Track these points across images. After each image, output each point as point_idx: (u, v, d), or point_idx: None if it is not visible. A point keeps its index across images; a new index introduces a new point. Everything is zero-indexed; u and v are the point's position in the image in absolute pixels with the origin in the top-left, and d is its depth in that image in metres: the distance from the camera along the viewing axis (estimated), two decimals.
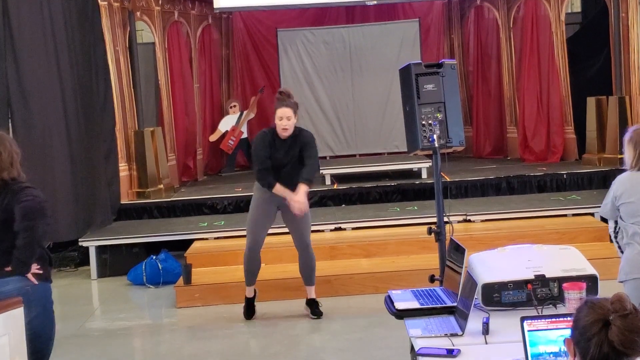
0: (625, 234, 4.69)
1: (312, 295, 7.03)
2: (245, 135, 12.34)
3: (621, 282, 4.68)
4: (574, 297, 3.66)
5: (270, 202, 6.74)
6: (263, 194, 6.75)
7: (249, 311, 7.05)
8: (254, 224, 6.86)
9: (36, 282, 4.46)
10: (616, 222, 4.76)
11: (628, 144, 4.64)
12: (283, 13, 12.94)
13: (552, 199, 9.39)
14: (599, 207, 4.86)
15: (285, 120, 6.60)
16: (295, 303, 7.33)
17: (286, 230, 7.02)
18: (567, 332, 2.40)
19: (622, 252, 4.78)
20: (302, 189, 6.56)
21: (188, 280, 7.68)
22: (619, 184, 4.68)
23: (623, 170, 4.81)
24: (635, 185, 4.62)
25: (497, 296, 3.90)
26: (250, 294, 7.06)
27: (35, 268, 4.48)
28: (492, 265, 4.06)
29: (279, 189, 6.56)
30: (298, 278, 7.30)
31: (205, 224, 9.20)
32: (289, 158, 6.65)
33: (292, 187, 6.61)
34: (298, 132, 6.73)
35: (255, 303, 7.10)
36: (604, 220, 8.20)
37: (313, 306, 6.99)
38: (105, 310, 7.90)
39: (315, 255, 6.95)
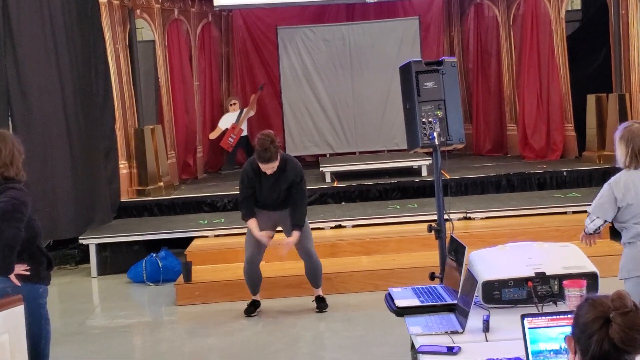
0: (626, 233, 4.66)
1: (319, 293, 7.12)
2: (245, 133, 12.33)
3: (622, 279, 4.66)
4: (574, 294, 3.66)
5: (268, 217, 6.80)
6: (260, 210, 6.81)
7: (250, 309, 7.06)
8: (251, 238, 6.88)
9: (18, 284, 4.43)
10: (605, 221, 4.71)
11: (619, 142, 4.59)
12: (283, 10, 12.93)
13: (552, 196, 9.39)
14: None
15: (269, 171, 6.65)
16: (296, 300, 7.34)
17: (280, 228, 7.03)
18: (568, 330, 2.40)
19: (594, 229, 4.75)
20: (296, 235, 6.74)
21: (188, 278, 7.68)
22: (618, 185, 4.60)
23: (620, 169, 4.76)
24: (638, 185, 4.57)
25: (498, 294, 3.91)
26: (257, 298, 7.14)
27: (22, 269, 4.45)
28: (492, 262, 4.06)
29: (251, 224, 6.81)
30: (298, 276, 7.32)
31: (205, 222, 9.20)
32: (277, 188, 6.70)
33: (283, 208, 6.77)
34: (284, 163, 6.72)
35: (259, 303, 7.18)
36: None
37: (319, 301, 7.09)
38: (105, 308, 7.90)
39: (316, 253, 7.00)
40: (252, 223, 6.82)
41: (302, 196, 6.77)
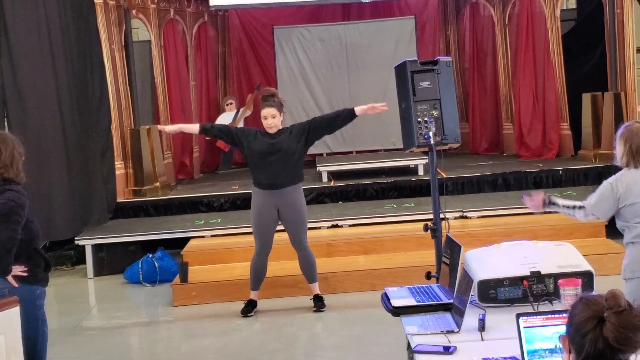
0: (629, 232, 4.60)
1: (316, 291, 7.11)
2: None
3: (625, 279, 4.61)
4: (569, 293, 3.67)
5: (269, 204, 6.78)
6: (261, 197, 6.81)
7: (247, 309, 7.05)
8: (259, 229, 6.88)
9: (16, 285, 4.43)
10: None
11: (619, 140, 4.58)
12: (279, 10, 12.94)
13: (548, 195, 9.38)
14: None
15: (270, 119, 6.69)
16: (293, 300, 7.35)
17: (282, 227, 7.03)
18: (563, 329, 2.40)
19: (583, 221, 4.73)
20: (363, 107, 6.90)
21: (184, 279, 7.67)
22: (620, 184, 4.53)
23: (618, 167, 4.74)
24: (637, 184, 4.53)
25: (493, 293, 3.91)
26: (255, 297, 7.10)
27: (19, 270, 4.44)
28: (488, 261, 4.07)
29: (180, 125, 7.25)
30: (295, 275, 7.32)
31: (202, 222, 9.19)
32: (276, 148, 6.70)
33: (279, 180, 6.72)
34: (286, 128, 6.85)
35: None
36: None
37: (317, 300, 7.07)
38: (101, 309, 7.89)
39: (313, 252, 7.01)
40: (190, 125, 7.37)
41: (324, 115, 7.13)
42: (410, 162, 10.46)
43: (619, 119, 10.02)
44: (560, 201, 4.76)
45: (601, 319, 2.23)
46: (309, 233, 7.17)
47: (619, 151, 4.59)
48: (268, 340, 6.49)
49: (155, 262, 8.37)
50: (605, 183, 4.63)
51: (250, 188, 7.04)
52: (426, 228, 5.49)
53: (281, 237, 7.21)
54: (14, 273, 4.42)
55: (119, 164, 10.10)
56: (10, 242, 4.33)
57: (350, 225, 8.92)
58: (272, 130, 6.72)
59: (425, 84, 5.45)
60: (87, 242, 8.87)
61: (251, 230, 6.99)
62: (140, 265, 8.41)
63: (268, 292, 7.40)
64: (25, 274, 4.48)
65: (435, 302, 4.00)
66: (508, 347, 3.23)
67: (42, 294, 4.64)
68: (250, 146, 6.75)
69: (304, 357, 6.18)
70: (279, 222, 6.92)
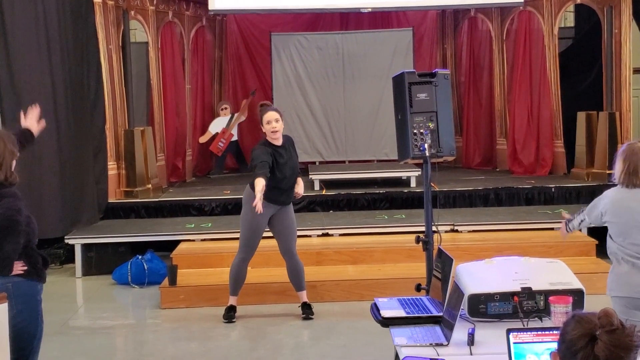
0: (611, 251, 4.68)
1: (305, 299, 7.08)
2: (235, 137, 12.33)
3: (611, 296, 4.66)
4: (560, 310, 3.67)
5: (265, 214, 6.71)
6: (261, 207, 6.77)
7: (230, 314, 7.03)
8: (248, 237, 6.85)
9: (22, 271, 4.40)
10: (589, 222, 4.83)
11: (619, 158, 4.61)
12: (277, 17, 12.94)
13: (539, 212, 9.41)
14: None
15: (274, 123, 6.64)
16: (280, 307, 7.33)
17: (271, 234, 7.02)
18: (553, 346, 2.40)
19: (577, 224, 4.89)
20: (301, 182, 6.90)
21: (173, 282, 7.66)
22: (607, 200, 4.64)
23: (611, 185, 4.79)
24: (622, 205, 4.58)
25: (483, 307, 3.91)
26: (234, 303, 7.07)
27: (19, 266, 4.40)
28: (479, 276, 4.06)
29: (260, 183, 6.21)
30: (283, 282, 7.30)
31: (192, 226, 9.17)
32: (290, 165, 6.72)
33: (289, 198, 6.80)
34: (285, 138, 6.83)
35: (237, 308, 7.12)
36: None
37: (305, 308, 7.05)
38: (88, 309, 7.87)
39: (302, 261, 7.00)
40: (261, 183, 6.23)
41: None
42: (403, 174, 10.46)
43: (613, 138, 10.07)
44: (575, 220, 4.88)
45: (593, 337, 2.23)
46: (299, 241, 7.17)
47: (618, 169, 4.61)
48: (254, 347, 6.47)
49: (144, 264, 8.35)
50: (602, 195, 4.71)
51: (241, 194, 7.00)
52: (418, 240, 5.48)
53: (269, 244, 7.19)
54: (15, 272, 4.35)
55: (111, 164, 10.07)
56: (14, 253, 4.26)
57: (341, 235, 8.91)
58: (277, 136, 6.66)
59: (422, 95, 5.46)
60: (76, 241, 8.84)
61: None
62: (129, 267, 8.38)
63: (256, 298, 7.39)
64: (25, 268, 4.41)
65: (425, 315, 4.00)
66: None
67: (41, 290, 4.59)
68: (281, 169, 6.63)
69: None
70: (266, 229, 6.93)
